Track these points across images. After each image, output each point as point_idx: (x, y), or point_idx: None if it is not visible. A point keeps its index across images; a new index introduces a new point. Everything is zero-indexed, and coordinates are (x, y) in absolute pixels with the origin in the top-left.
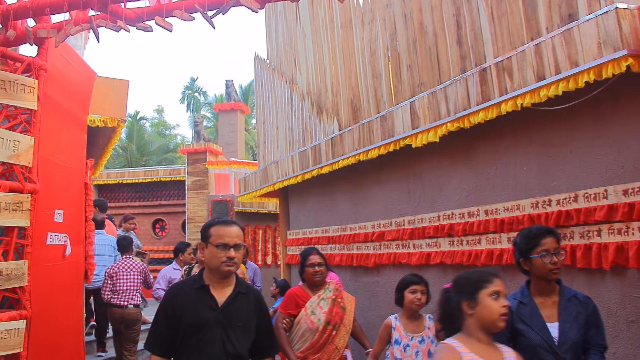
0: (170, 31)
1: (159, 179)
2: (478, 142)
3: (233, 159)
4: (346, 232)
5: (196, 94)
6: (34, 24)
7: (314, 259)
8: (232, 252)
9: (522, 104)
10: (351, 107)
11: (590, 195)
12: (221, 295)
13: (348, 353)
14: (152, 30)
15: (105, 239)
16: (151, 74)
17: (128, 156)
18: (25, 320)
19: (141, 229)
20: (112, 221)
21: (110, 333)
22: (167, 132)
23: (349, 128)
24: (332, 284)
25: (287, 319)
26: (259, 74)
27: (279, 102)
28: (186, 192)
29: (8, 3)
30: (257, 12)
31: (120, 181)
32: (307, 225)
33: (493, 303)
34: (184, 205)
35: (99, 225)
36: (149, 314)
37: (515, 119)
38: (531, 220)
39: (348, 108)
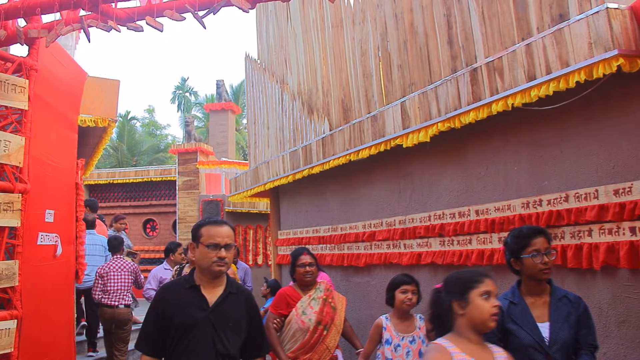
0: (161, 31)
1: (149, 179)
2: (469, 142)
3: (224, 159)
4: (337, 232)
5: (187, 94)
6: (25, 24)
7: (305, 259)
8: (222, 252)
9: (512, 104)
10: (342, 107)
11: (581, 195)
12: (212, 295)
13: (339, 353)
14: (143, 30)
15: (96, 239)
16: (142, 74)
17: (119, 156)
18: (16, 320)
19: (132, 229)
20: (103, 221)
21: (101, 333)
22: (158, 132)
23: (340, 128)
24: (323, 284)
25: (278, 319)
26: (250, 74)
27: (270, 102)
28: (177, 192)
29: None
30: (247, 12)
31: (111, 181)
32: (298, 225)
33: (484, 303)
34: (174, 205)
35: (90, 225)
36: (139, 314)
37: (506, 119)
38: (522, 220)
39: (339, 108)
